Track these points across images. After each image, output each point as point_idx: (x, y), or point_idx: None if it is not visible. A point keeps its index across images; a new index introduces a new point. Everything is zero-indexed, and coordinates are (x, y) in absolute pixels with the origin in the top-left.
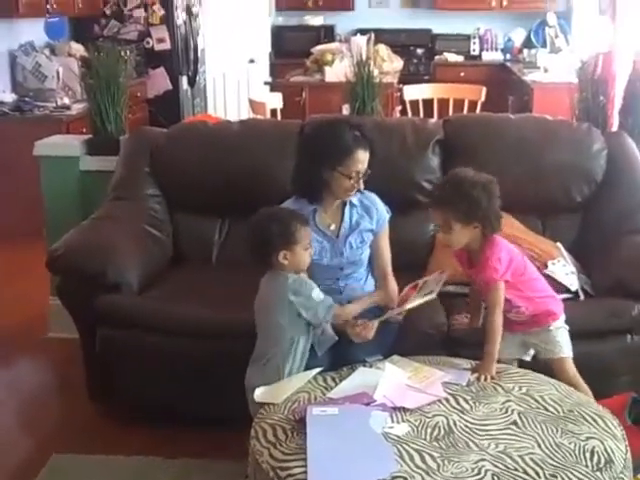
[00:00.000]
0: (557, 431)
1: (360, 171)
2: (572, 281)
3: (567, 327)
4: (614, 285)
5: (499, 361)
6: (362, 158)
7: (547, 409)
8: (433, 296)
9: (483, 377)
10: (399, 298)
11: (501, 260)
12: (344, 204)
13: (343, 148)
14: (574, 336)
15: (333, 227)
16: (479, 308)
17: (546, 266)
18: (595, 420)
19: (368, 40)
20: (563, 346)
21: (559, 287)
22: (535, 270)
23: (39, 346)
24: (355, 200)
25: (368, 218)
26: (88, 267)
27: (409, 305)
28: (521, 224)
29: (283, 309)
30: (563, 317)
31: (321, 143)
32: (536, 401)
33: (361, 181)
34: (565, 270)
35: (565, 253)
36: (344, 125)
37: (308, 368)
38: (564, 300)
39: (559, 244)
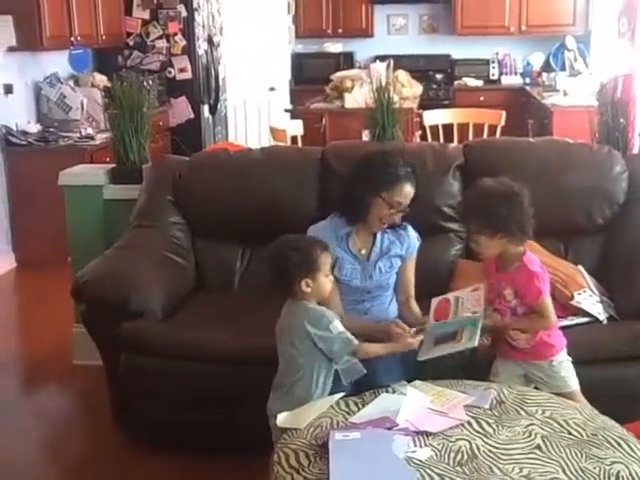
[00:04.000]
0: (581, 455)
1: (402, 203)
2: (599, 310)
3: (570, 358)
4: (638, 309)
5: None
6: (407, 192)
7: (571, 433)
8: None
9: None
10: (434, 311)
11: (543, 273)
12: None
13: (392, 176)
14: (598, 360)
15: (364, 252)
16: (500, 332)
17: (572, 297)
18: (620, 444)
19: (387, 66)
20: (568, 380)
21: (583, 312)
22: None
23: (64, 374)
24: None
25: (399, 244)
26: (112, 295)
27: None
28: (543, 248)
29: (302, 339)
30: (565, 350)
31: (373, 167)
32: (560, 425)
33: (399, 215)
34: (592, 300)
35: (587, 276)
36: (398, 158)
37: (331, 393)
38: (586, 324)
39: (581, 267)
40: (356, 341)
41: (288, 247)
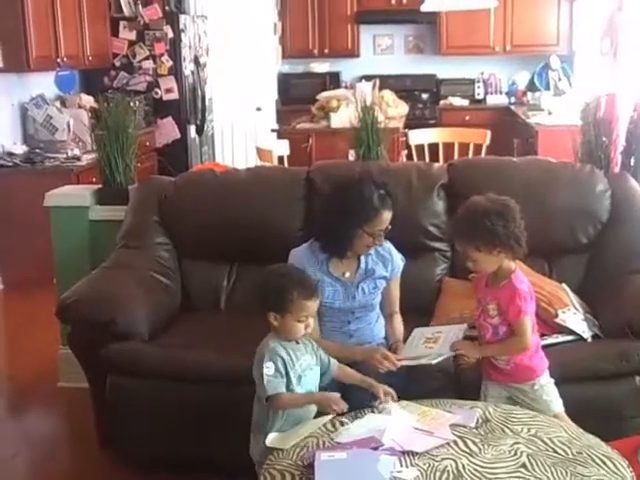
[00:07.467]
0: (566, 474)
1: (383, 229)
2: (584, 328)
3: (552, 381)
4: (622, 327)
5: None
6: (386, 218)
7: (556, 451)
8: (452, 353)
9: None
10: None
11: (527, 293)
12: None
13: (370, 209)
14: (583, 378)
15: (348, 274)
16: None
17: (557, 315)
18: (604, 462)
19: (373, 86)
20: (550, 404)
21: (567, 330)
22: (535, 321)
23: (49, 396)
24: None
25: (382, 266)
26: (97, 316)
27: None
28: (527, 266)
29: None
30: (547, 372)
31: (349, 203)
32: (545, 443)
33: (382, 238)
34: (576, 318)
35: (571, 294)
36: (370, 185)
37: (319, 414)
38: (570, 342)
39: (565, 285)
40: (270, 392)
41: (275, 276)
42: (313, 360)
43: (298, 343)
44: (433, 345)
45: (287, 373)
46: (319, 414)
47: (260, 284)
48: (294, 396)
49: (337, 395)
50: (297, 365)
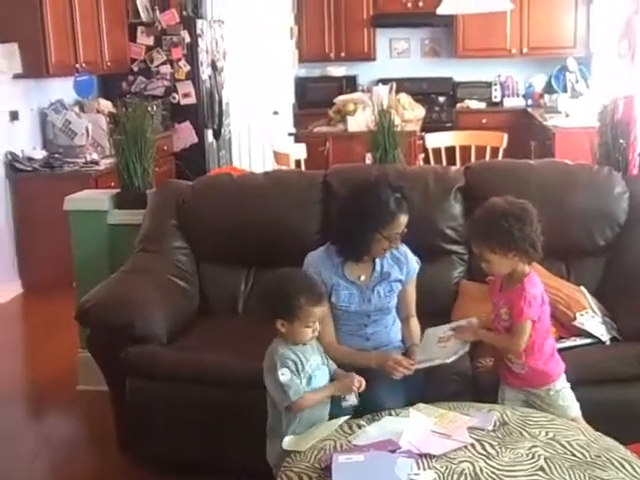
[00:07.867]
0: (585, 477)
1: (399, 233)
2: (602, 331)
3: (568, 385)
4: None
5: None
6: (403, 221)
7: (574, 454)
8: (466, 349)
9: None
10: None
11: (536, 298)
12: None
13: (387, 213)
14: (601, 381)
15: (363, 278)
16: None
17: (575, 318)
18: (623, 465)
19: (390, 89)
20: (567, 409)
21: (586, 333)
22: (550, 325)
23: (69, 399)
24: None
25: (398, 269)
26: (116, 319)
27: (438, 361)
28: (544, 269)
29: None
30: (563, 377)
31: (366, 206)
32: (563, 446)
33: (398, 241)
34: (595, 321)
35: (589, 297)
36: (386, 188)
37: (334, 417)
38: (589, 345)
39: (583, 288)
40: (294, 398)
41: (282, 282)
42: (320, 359)
43: (305, 345)
44: (446, 344)
45: (298, 375)
46: (332, 417)
47: (267, 291)
48: (313, 394)
49: (351, 376)
50: (307, 366)
